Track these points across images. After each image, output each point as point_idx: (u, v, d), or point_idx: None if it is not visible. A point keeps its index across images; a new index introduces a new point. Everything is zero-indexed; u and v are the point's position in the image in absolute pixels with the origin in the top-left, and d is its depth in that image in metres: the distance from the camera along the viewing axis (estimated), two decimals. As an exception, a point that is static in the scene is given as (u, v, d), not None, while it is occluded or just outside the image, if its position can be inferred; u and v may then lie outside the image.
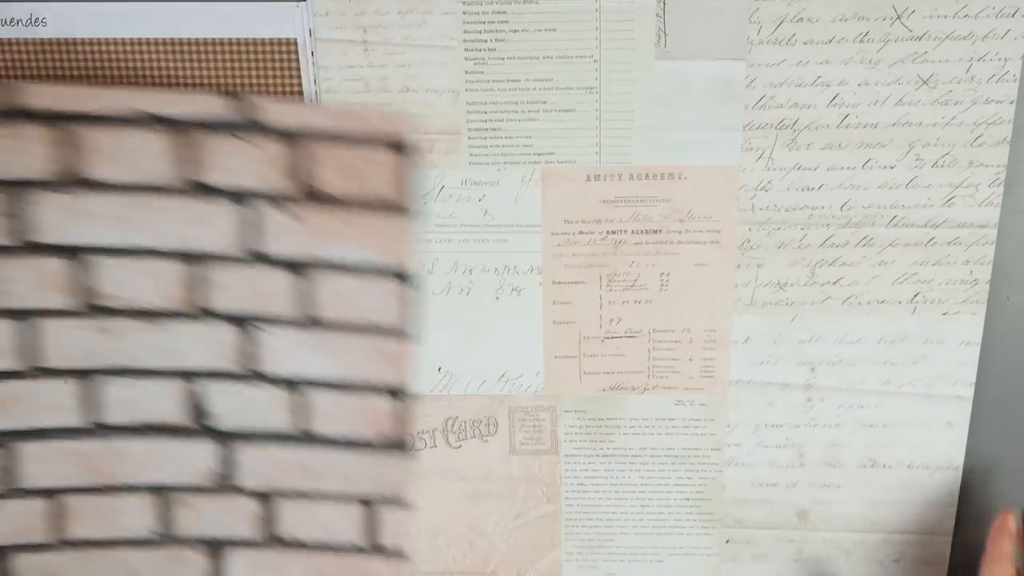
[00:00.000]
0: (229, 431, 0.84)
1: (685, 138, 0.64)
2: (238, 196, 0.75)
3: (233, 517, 0.95)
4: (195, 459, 0.93)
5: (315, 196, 0.72)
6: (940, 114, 0.62)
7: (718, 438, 0.71)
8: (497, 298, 0.68)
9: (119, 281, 0.77)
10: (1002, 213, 0.65)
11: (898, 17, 0.60)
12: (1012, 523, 0.67)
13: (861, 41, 0.61)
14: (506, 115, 0.64)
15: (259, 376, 0.83)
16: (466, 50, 0.63)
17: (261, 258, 0.78)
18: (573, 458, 0.72)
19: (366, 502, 0.81)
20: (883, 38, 0.61)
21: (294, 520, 0.93)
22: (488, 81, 0.64)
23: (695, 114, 0.63)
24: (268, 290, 0.78)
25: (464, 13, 0.63)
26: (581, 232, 0.66)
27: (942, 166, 0.63)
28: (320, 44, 0.64)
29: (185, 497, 0.91)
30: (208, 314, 0.81)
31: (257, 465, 0.89)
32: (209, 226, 0.77)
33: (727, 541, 0.74)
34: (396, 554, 0.77)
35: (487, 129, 0.65)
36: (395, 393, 0.74)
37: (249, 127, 0.68)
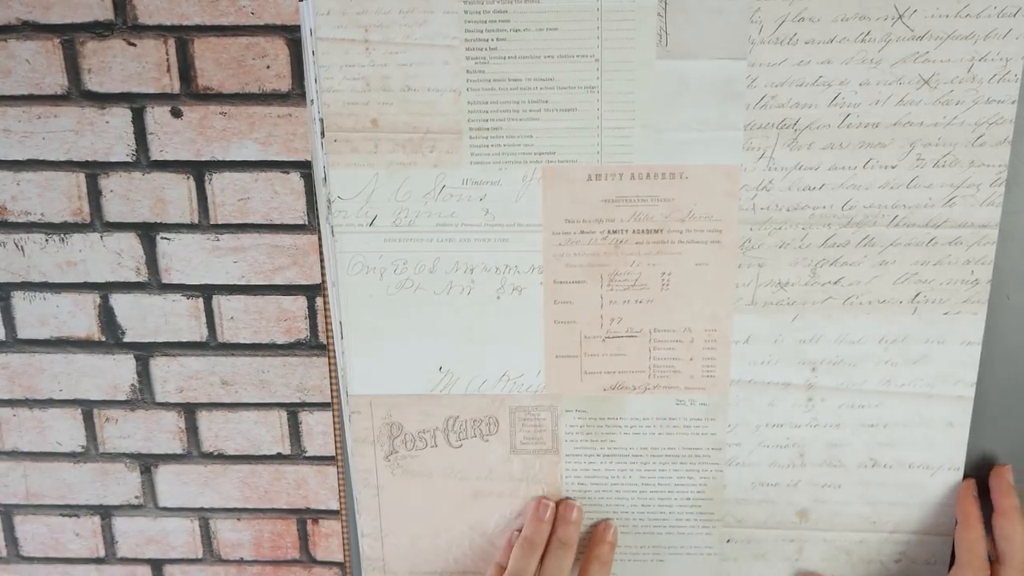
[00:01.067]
0: (142, 343, 0.84)
1: (686, 137, 0.64)
2: (126, 100, 0.74)
3: (156, 431, 0.96)
4: (113, 373, 0.93)
5: (204, 94, 0.72)
6: (941, 114, 0.62)
7: (719, 438, 0.70)
8: (498, 297, 0.68)
9: (14, 194, 0.77)
10: (1003, 213, 0.65)
11: (899, 17, 0.60)
12: (973, 488, 0.70)
13: (862, 41, 0.61)
14: (507, 114, 0.64)
15: (164, 285, 0.83)
16: (467, 49, 0.63)
17: (156, 163, 0.77)
18: (574, 458, 0.72)
19: (288, 408, 0.81)
20: (884, 38, 0.61)
21: (217, 432, 0.93)
22: (489, 80, 0.64)
23: (696, 113, 0.63)
24: (165, 195, 0.77)
25: (466, 12, 0.63)
26: (582, 231, 0.66)
27: (943, 166, 0.63)
28: (321, 43, 0.65)
29: (108, 412, 0.92)
30: (108, 225, 0.81)
31: (173, 377, 0.90)
32: (99, 133, 0.77)
33: (728, 541, 0.74)
34: (323, 459, 0.77)
35: (488, 128, 0.65)
36: (306, 292, 0.73)
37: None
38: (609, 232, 0.66)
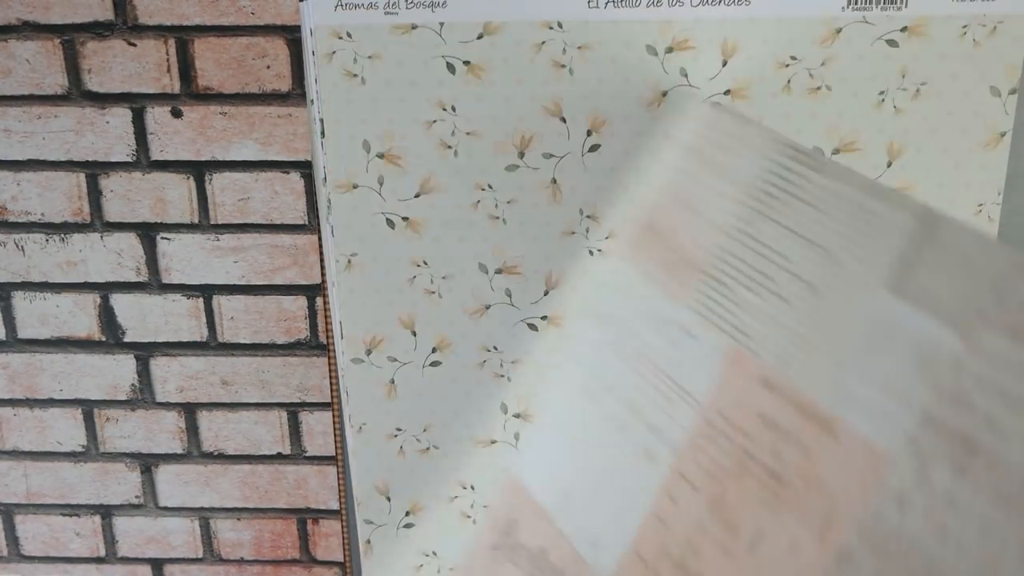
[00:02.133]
0: (142, 343, 0.85)
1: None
2: (126, 100, 0.75)
3: (156, 431, 0.96)
4: (113, 373, 0.93)
5: (204, 94, 0.72)
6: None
7: None
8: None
9: (14, 194, 0.77)
10: (1002, 213, 0.65)
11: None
12: None
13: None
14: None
15: (164, 285, 0.83)
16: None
17: (156, 163, 0.78)
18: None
19: (288, 408, 0.81)
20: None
21: (218, 432, 0.93)
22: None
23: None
24: (165, 195, 0.77)
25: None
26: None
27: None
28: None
29: (108, 412, 0.92)
30: (108, 225, 0.82)
31: (173, 377, 0.90)
32: (100, 133, 0.77)
33: None
34: (323, 458, 0.76)
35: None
36: (306, 292, 0.73)
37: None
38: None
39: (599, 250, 0.70)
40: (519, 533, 0.68)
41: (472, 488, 0.77)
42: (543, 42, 0.67)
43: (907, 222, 0.53)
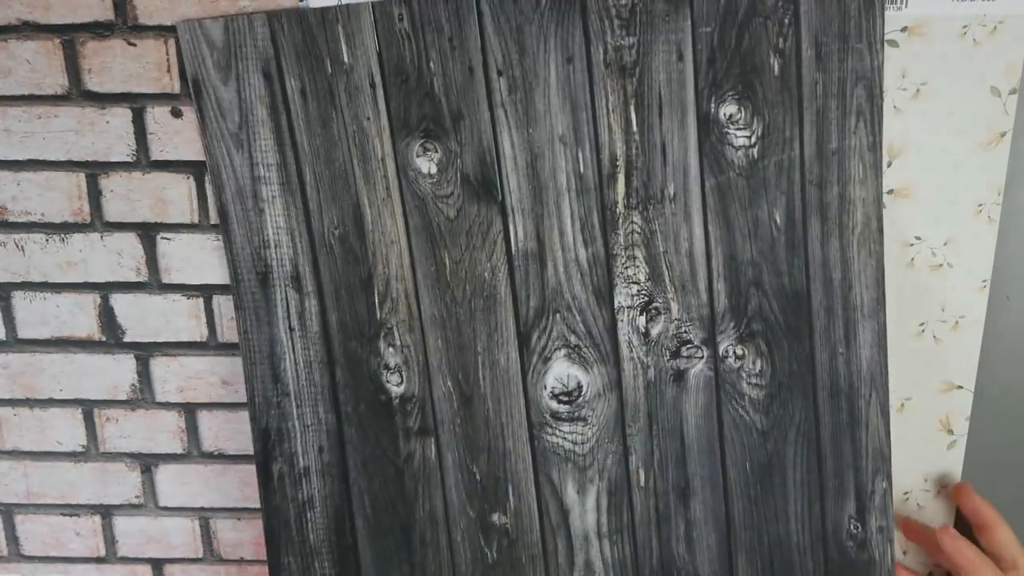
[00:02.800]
0: (142, 343, 0.86)
1: None
2: (126, 100, 0.75)
3: (156, 431, 0.96)
4: (113, 373, 0.93)
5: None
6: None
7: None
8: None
9: (14, 194, 0.78)
10: (1002, 213, 0.64)
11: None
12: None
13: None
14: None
15: (164, 285, 0.84)
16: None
17: (156, 163, 0.79)
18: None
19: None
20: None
21: (218, 432, 0.93)
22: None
23: None
24: (165, 195, 0.78)
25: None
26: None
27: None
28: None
29: (108, 411, 0.93)
30: (108, 225, 0.82)
31: (173, 377, 0.90)
32: (100, 133, 0.77)
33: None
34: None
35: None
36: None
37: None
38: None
39: (599, 250, 0.70)
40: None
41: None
42: (543, 42, 0.67)
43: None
